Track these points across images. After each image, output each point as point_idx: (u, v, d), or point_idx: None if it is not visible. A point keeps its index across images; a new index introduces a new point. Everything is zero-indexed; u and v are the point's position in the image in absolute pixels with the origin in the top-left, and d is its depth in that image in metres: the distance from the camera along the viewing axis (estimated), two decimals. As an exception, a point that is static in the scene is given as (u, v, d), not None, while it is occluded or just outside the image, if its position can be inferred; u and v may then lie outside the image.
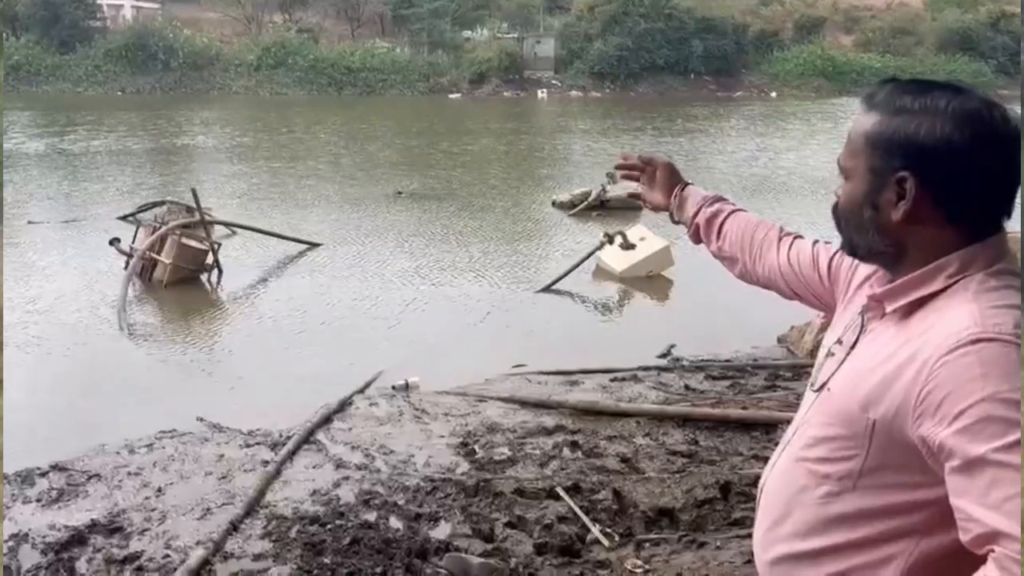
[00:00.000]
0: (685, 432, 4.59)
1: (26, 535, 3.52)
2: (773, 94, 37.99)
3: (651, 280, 8.16)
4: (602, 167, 14.49)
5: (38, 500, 3.87)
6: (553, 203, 11.85)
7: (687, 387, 5.43)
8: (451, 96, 37.36)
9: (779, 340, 6.42)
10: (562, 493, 3.80)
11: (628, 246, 8.25)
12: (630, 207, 11.47)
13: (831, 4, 43.61)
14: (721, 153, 18.33)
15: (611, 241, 8.23)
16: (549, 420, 4.80)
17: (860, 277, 1.34)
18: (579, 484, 3.90)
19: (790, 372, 5.63)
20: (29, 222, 10.50)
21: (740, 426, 4.60)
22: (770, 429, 4.47)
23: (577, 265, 8.00)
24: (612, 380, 5.55)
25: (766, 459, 4.14)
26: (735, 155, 17.88)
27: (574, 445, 4.43)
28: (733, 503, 3.66)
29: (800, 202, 12.17)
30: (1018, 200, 1.12)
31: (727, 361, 5.96)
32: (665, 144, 19.54)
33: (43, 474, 4.10)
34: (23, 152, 16.76)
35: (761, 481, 1.35)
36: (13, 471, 4.09)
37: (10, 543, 3.45)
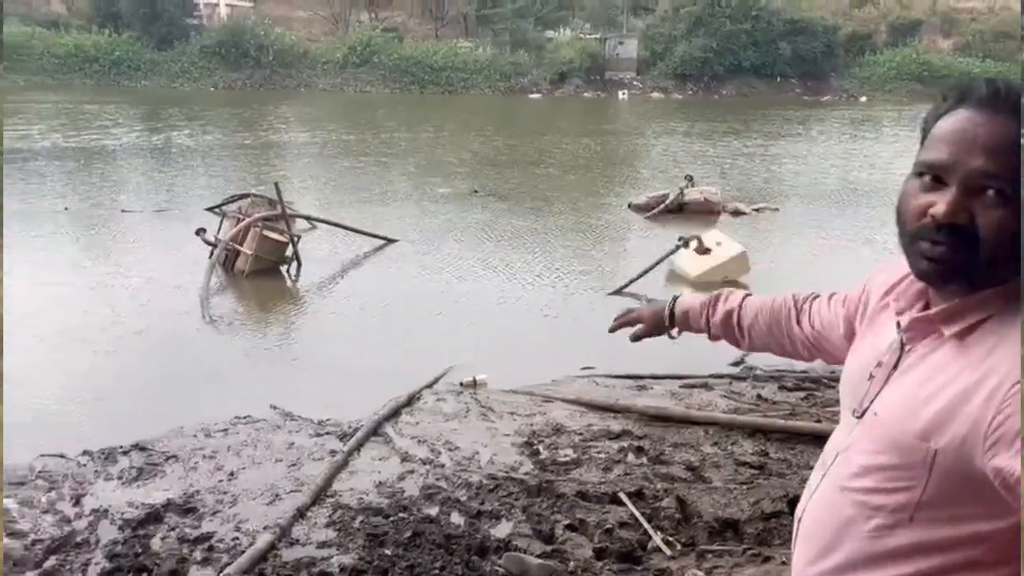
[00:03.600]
0: (755, 443, 4.48)
1: (106, 511, 3.68)
2: (863, 98, 36.80)
3: (726, 286, 7.98)
4: (701, 169, 14.33)
5: (119, 477, 4.03)
6: (629, 205, 11.74)
7: (759, 397, 5.29)
8: (531, 96, 37.44)
9: (858, 353, 6.20)
10: (625, 499, 3.75)
11: (703, 251, 8.11)
12: (708, 211, 11.29)
13: (929, 6, 41.94)
14: (826, 158, 17.86)
15: (686, 245, 8.10)
16: (615, 424, 4.75)
17: (876, 295, 1.28)
18: (643, 490, 3.85)
19: (868, 386, 5.42)
20: (122, 210, 10.99)
21: (813, 439, 4.45)
22: (845, 444, 4.32)
23: (650, 268, 7.89)
24: (682, 386, 5.46)
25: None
26: (847, 162, 17.40)
27: (639, 451, 4.37)
28: (801, 518, 3.55)
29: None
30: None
31: (802, 372, 5.79)
32: (766, 147, 19.20)
33: (125, 452, 4.28)
34: (137, 145, 17.61)
35: (799, 508, 1.29)
36: (97, 448, 4.29)
37: (91, 518, 3.61)
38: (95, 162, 15.29)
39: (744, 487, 3.87)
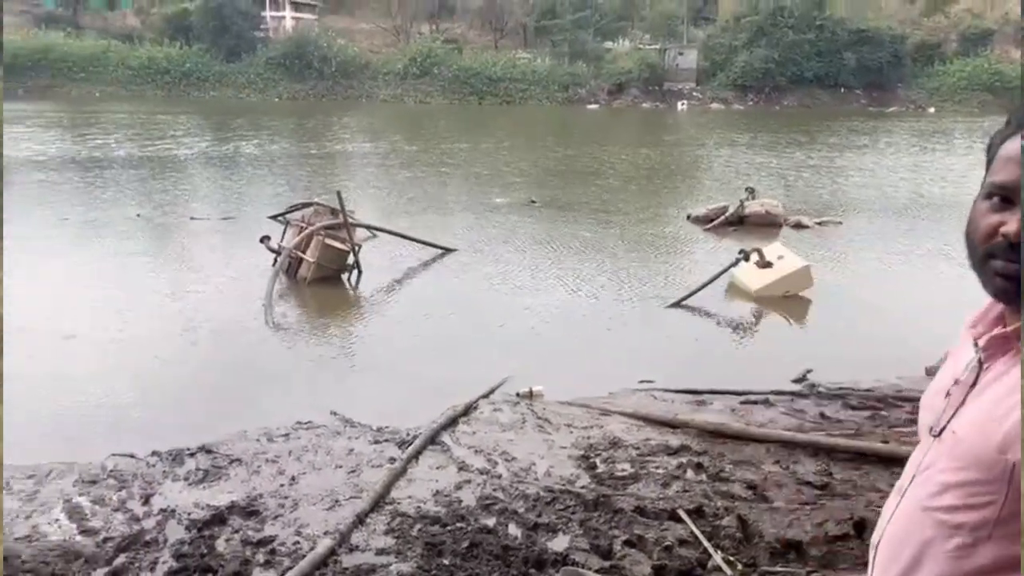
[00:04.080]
0: (818, 462, 4.38)
1: (173, 511, 3.77)
2: (931, 109, 35.85)
3: (787, 300, 7.85)
4: (765, 181, 14.12)
5: (186, 479, 4.14)
6: (688, 217, 11.63)
7: (823, 415, 5.17)
8: (589, 107, 37.40)
9: (927, 372, 6.00)
10: (684, 516, 3.70)
11: (764, 264, 7.98)
12: (769, 224, 11.11)
13: (1002, 15, 40.66)
14: (895, 171, 17.45)
15: (747, 258, 7.98)
16: (674, 439, 4.70)
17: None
18: (702, 508, 3.79)
19: (938, 407, 5.25)
20: (191, 218, 11.32)
21: (879, 460, 4.33)
22: (913, 466, 4.19)
23: (710, 281, 7.80)
24: (742, 403, 5.37)
25: (907, 498, 3.83)
26: (917, 175, 16.97)
27: (699, 467, 4.31)
28: (869, 542, 3.44)
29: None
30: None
31: (868, 390, 5.64)
32: (832, 159, 18.87)
33: (191, 454, 4.39)
34: (207, 154, 18.17)
35: (876, 533, 1.28)
36: (166, 449, 4.41)
37: (159, 517, 3.72)
38: (167, 171, 15.80)
39: (807, 508, 3.78)
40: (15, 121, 25.09)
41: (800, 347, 6.81)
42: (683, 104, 37.77)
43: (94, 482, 4.06)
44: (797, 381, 5.85)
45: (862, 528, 3.53)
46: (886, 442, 4.57)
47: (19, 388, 5.43)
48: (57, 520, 3.69)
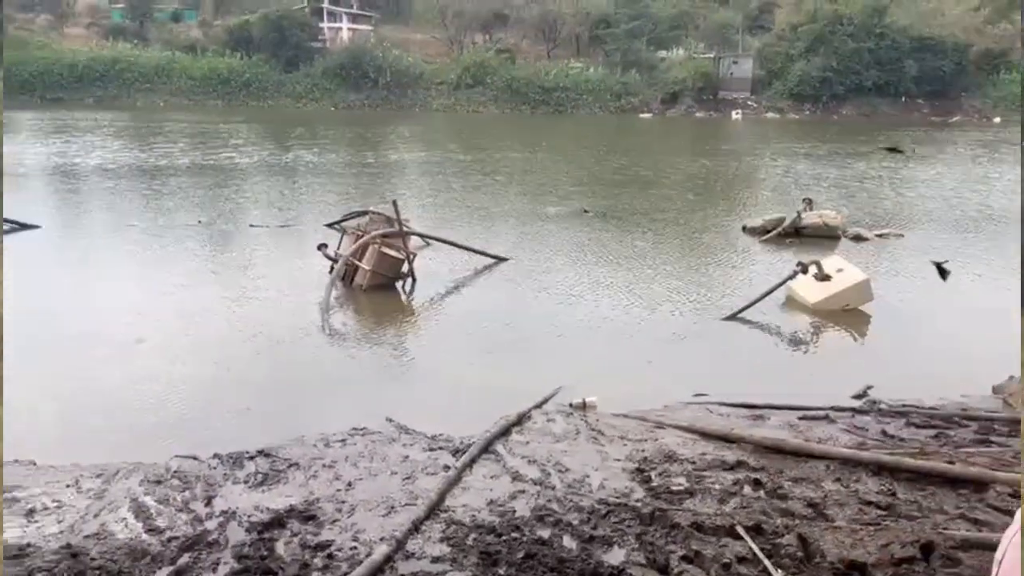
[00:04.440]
0: (881, 481, 4.26)
1: (234, 513, 3.85)
2: (997, 119, 34.80)
3: (846, 315, 7.68)
4: (825, 192, 13.84)
5: (245, 482, 4.21)
6: (743, 228, 11.47)
7: (885, 433, 5.04)
8: (642, 116, 37.21)
9: (994, 390, 5.83)
10: (742, 532, 3.63)
11: (823, 277, 7.83)
12: (827, 236, 10.90)
13: (1073, 21, 39.28)
14: (961, 182, 17.01)
15: (805, 271, 7.85)
16: (730, 455, 4.62)
17: None
18: (761, 525, 3.72)
19: (1007, 427, 5.08)
20: (250, 225, 11.57)
21: (945, 481, 4.20)
22: (981, 488, 4.06)
23: (767, 294, 7.68)
24: (801, 418, 5.26)
25: (976, 520, 3.70)
26: (987, 186, 16.49)
27: (756, 483, 4.23)
28: (936, 567, 3.34)
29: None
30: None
31: (932, 408, 5.48)
32: (895, 169, 18.45)
33: (251, 458, 4.47)
34: (268, 163, 18.61)
35: (1000, 549, 1.25)
36: (226, 452, 4.50)
37: (220, 519, 3.79)
38: (228, 179, 16.18)
39: (871, 528, 3.68)
40: (86, 131, 26.02)
41: (860, 362, 6.66)
42: (737, 113, 37.34)
43: (159, 482, 4.16)
44: (857, 397, 5.72)
45: (929, 551, 3.42)
46: (952, 463, 4.43)
47: (94, 390, 5.63)
48: (124, 519, 3.79)
